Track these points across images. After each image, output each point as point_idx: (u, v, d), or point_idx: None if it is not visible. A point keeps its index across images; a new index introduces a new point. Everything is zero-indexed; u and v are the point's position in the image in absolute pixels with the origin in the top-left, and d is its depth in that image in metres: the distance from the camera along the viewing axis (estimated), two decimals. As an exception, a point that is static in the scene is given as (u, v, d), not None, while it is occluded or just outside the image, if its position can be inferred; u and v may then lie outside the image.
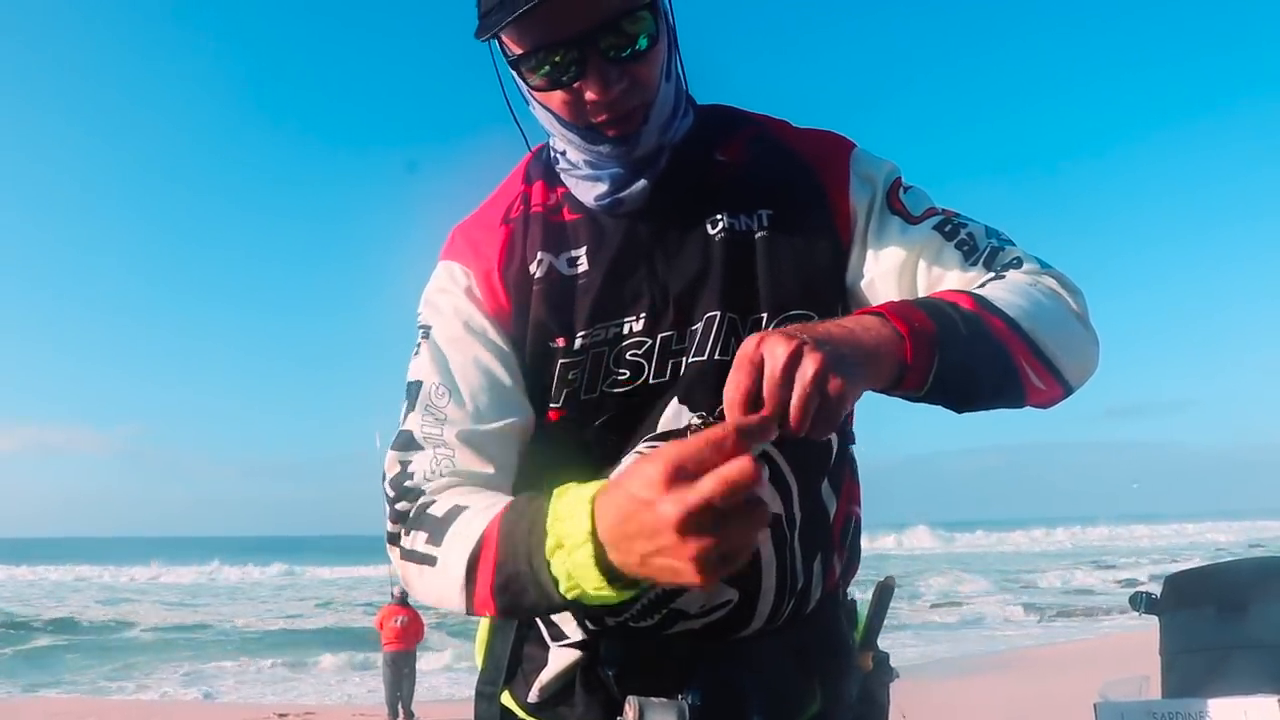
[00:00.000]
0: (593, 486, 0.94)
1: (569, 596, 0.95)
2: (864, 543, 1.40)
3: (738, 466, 0.81)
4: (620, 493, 0.88)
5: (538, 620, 1.32)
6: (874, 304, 1.22)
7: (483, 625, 1.42)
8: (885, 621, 1.38)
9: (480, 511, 1.09)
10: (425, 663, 14.43)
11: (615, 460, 1.25)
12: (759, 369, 0.94)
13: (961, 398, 1.08)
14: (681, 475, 0.83)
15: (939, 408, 1.09)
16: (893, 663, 1.42)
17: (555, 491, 0.98)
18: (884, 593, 1.28)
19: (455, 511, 1.12)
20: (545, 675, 1.31)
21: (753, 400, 0.94)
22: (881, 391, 1.04)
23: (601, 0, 1.15)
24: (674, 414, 1.23)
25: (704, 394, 1.23)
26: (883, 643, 1.39)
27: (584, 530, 0.91)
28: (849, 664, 1.34)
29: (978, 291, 1.13)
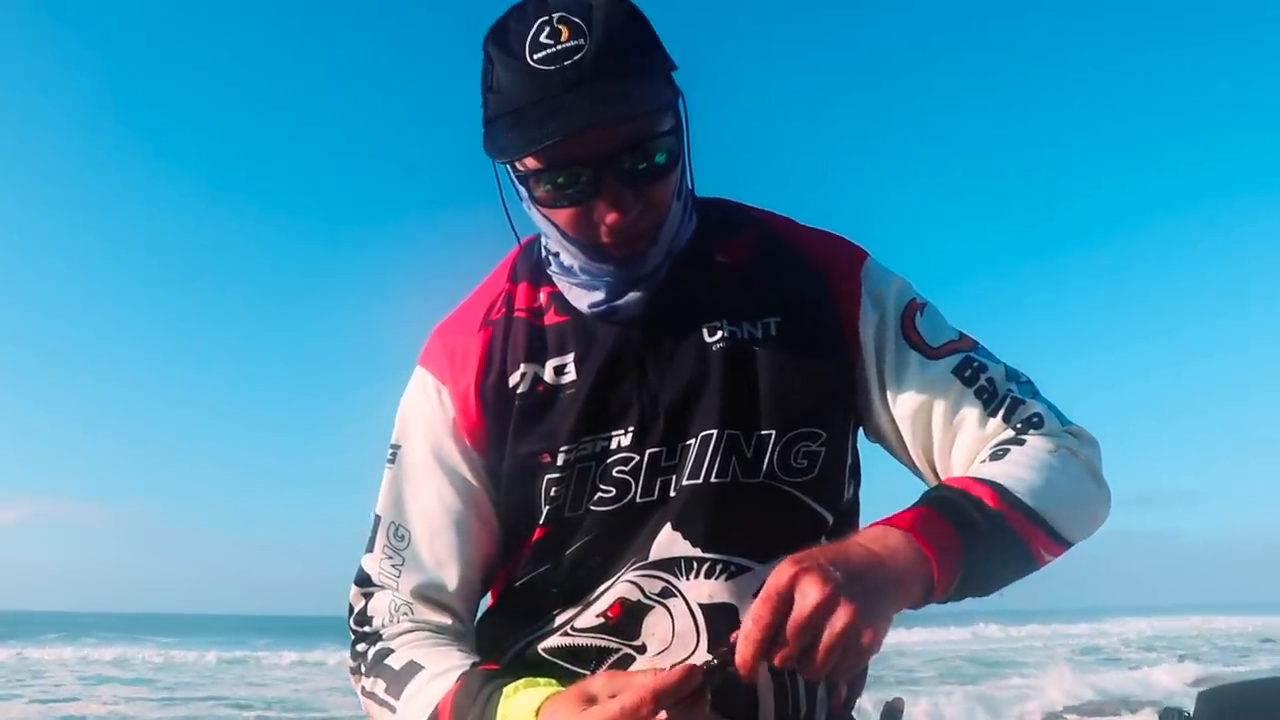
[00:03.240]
0: (537, 697, 1.03)
1: None
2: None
3: None
4: None
5: None
6: (888, 439, 1.25)
7: None
8: None
9: (435, 677, 1.14)
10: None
11: (599, 582, 1.18)
12: (787, 604, 0.92)
13: (976, 593, 1.08)
14: None
15: None
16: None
17: (504, 690, 1.06)
18: (891, 716, 1.23)
19: (411, 669, 1.17)
20: None
21: (773, 635, 0.92)
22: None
23: (624, 128, 1.09)
24: (668, 541, 1.16)
25: (699, 520, 1.16)
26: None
27: None
28: None
29: (1001, 481, 1.11)
